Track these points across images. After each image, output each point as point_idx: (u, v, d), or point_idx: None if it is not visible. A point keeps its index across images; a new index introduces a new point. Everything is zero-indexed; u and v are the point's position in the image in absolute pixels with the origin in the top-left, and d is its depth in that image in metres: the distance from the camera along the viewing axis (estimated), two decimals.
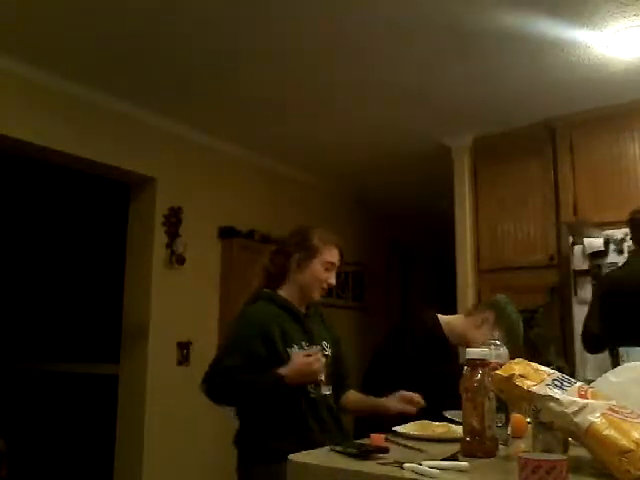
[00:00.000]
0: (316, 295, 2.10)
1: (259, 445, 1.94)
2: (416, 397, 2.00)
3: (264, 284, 2.13)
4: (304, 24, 2.83)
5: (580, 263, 3.45)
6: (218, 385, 1.95)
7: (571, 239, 3.54)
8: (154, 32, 2.91)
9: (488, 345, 1.74)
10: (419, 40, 2.96)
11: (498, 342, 1.77)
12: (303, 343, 2.00)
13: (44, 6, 2.68)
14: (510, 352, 2.25)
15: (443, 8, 2.67)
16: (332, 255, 2.10)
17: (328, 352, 2.09)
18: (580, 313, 3.44)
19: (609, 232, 3.43)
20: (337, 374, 2.14)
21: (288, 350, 1.96)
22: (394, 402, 2.01)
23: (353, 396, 2.18)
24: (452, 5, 2.65)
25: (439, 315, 2.56)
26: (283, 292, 2.09)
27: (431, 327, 2.50)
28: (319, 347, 2.03)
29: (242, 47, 3.03)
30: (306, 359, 1.90)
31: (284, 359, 1.93)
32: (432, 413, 1.94)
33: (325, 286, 2.09)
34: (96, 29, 2.88)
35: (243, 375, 1.92)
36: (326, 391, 2.02)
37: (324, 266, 2.07)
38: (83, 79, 3.39)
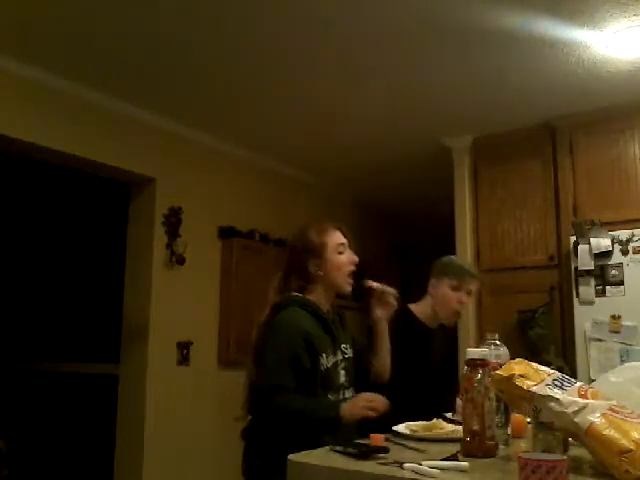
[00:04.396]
0: (346, 285, 2.06)
1: (267, 444, 1.92)
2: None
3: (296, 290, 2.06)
4: (303, 23, 2.82)
5: (585, 263, 3.44)
6: (272, 409, 1.86)
7: (573, 239, 3.53)
8: (154, 32, 2.91)
9: (488, 345, 1.73)
10: (419, 40, 2.96)
11: (498, 342, 1.77)
12: (329, 351, 1.98)
13: (44, 6, 2.68)
14: (473, 284, 2.49)
15: (443, 8, 2.67)
16: (337, 237, 2.07)
17: (349, 354, 2.07)
18: (581, 313, 3.45)
19: (613, 233, 3.43)
20: (362, 365, 2.13)
21: (319, 358, 1.92)
22: None
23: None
24: (452, 5, 2.65)
25: (410, 305, 2.59)
26: (311, 296, 2.03)
27: (402, 317, 2.50)
28: (340, 352, 2.02)
29: (242, 47, 3.03)
30: (368, 396, 1.84)
31: (317, 368, 1.91)
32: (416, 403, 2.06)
33: (351, 268, 2.06)
34: (96, 29, 2.88)
35: (301, 399, 1.86)
36: (348, 394, 2.00)
37: (337, 251, 2.05)
38: (83, 79, 3.39)
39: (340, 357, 2.01)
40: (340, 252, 2.06)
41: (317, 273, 2.02)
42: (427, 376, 2.43)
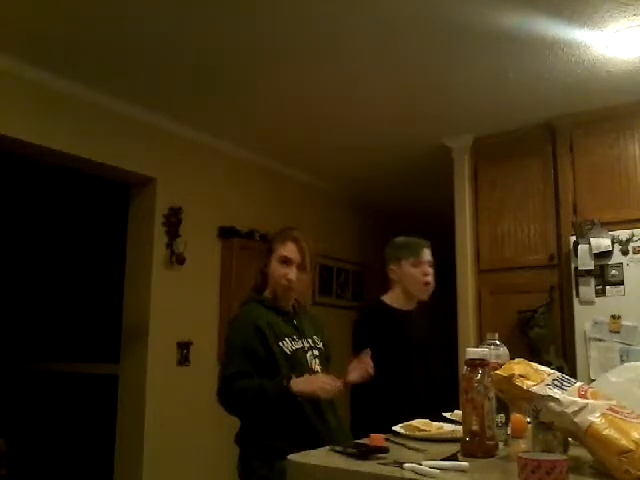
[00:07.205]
0: (280, 292, 2.12)
1: (260, 443, 1.95)
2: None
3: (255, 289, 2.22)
4: (303, 23, 2.82)
5: (585, 263, 3.44)
6: (231, 396, 1.95)
7: (573, 239, 3.53)
8: (154, 32, 2.91)
9: (488, 345, 1.73)
10: (419, 40, 2.96)
11: (498, 342, 1.77)
12: (294, 337, 2.06)
13: (44, 6, 2.68)
14: (429, 252, 2.58)
15: (443, 8, 2.67)
16: (286, 249, 2.12)
17: (320, 345, 2.15)
18: (581, 313, 3.45)
19: (613, 233, 3.43)
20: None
21: (280, 344, 2.00)
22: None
23: None
24: (452, 5, 2.65)
25: (382, 297, 2.64)
26: (267, 293, 2.17)
27: (376, 309, 2.61)
28: (310, 341, 2.11)
29: (242, 47, 3.03)
30: (325, 378, 1.93)
31: (276, 353, 1.98)
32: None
33: (283, 282, 2.10)
34: (96, 29, 2.88)
35: (252, 381, 1.92)
36: None
37: (279, 261, 2.12)
38: (83, 79, 3.39)
39: (307, 345, 2.09)
40: (283, 262, 2.11)
41: (264, 270, 2.17)
42: (411, 354, 2.49)
